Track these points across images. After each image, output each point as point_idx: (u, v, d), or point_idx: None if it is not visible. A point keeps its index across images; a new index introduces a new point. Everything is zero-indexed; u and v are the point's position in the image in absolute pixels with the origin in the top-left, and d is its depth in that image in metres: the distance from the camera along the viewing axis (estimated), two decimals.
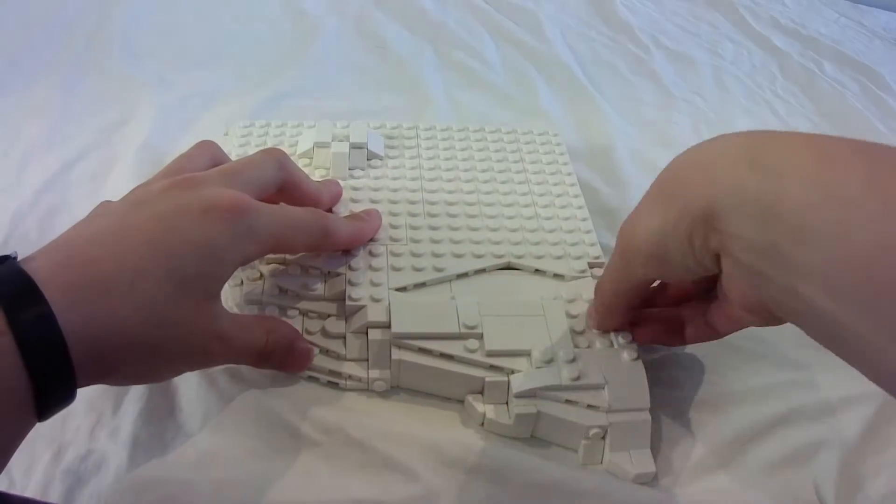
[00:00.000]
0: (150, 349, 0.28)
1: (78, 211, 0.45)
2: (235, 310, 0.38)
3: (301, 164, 0.46)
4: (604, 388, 0.34)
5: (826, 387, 0.40)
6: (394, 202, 0.43)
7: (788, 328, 0.43)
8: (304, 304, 0.38)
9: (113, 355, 0.27)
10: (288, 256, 0.39)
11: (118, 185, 0.48)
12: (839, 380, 0.40)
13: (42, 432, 0.30)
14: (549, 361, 0.35)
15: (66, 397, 0.26)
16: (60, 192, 0.47)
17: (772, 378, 0.40)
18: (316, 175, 0.45)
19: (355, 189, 0.44)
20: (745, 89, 0.71)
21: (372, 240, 0.40)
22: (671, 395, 0.39)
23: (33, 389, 0.24)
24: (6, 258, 0.26)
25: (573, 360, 0.35)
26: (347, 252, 0.39)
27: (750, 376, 0.40)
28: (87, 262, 0.27)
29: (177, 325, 0.29)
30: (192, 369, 0.33)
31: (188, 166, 0.35)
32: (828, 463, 0.36)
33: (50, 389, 0.25)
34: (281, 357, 0.35)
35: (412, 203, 0.43)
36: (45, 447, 0.33)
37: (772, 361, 0.41)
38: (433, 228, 0.42)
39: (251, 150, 0.47)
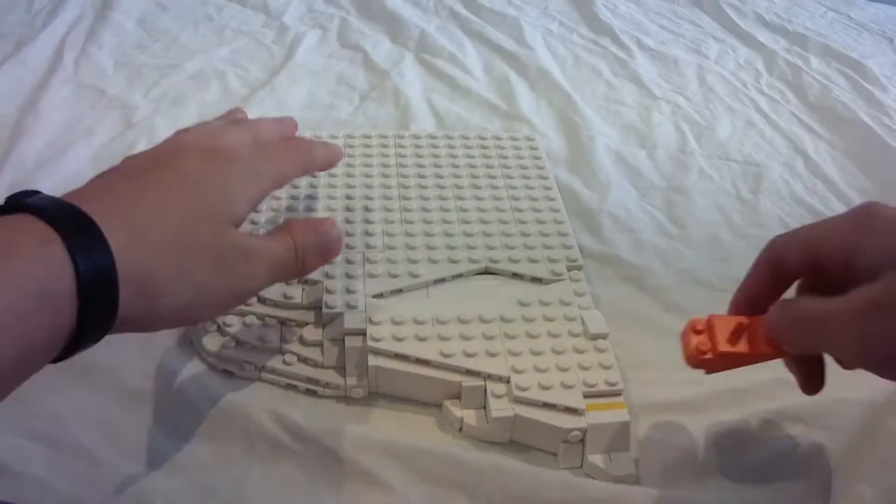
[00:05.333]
0: (183, 276, 0.28)
1: None
2: None
3: None
4: (581, 389, 0.34)
5: None
6: (369, 210, 0.44)
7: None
8: (281, 313, 0.38)
9: (150, 281, 0.27)
10: None
11: None
12: (832, 380, 0.40)
13: None
14: (526, 365, 0.35)
15: (105, 329, 0.26)
16: None
17: (759, 377, 0.40)
18: None
19: (331, 198, 0.44)
20: (730, 87, 0.71)
21: (348, 247, 0.41)
22: (653, 395, 0.38)
23: (78, 320, 0.24)
24: (33, 192, 0.27)
25: (550, 364, 0.35)
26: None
27: (735, 375, 0.40)
28: (112, 194, 0.28)
29: (206, 249, 0.29)
30: (235, 297, 0.32)
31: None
32: (821, 465, 0.35)
33: (94, 323, 0.25)
34: (314, 249, 0.33)
35: (388, 210, 0.44)
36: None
37: None
38: (409, 235, 0.42)
39: None
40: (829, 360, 0.39)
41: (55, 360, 0.25)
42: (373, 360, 0.35)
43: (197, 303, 0.29)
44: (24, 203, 0.25)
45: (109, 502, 0.31)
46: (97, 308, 0.25)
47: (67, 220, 0.25)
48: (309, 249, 0.33)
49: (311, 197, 0.45)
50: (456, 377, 0.35)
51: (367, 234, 0.41)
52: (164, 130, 0.56)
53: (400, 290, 0.39)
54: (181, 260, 0.28)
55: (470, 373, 0.35)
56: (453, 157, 0.49)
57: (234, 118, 0.39)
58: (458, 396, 0.35)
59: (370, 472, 0.33)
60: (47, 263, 0.23)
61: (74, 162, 0.52)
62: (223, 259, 0.29)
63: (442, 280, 0.39)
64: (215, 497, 0.32)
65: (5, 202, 0.26)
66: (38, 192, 0.26)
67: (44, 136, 0.54)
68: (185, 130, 0.35)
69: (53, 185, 0.49)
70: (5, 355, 0.22)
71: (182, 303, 0.28)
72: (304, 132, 0.51)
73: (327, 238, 0.34)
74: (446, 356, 0.35)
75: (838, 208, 0.55)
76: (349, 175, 0.47)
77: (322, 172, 0.47)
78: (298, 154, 0.36)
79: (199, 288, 0.29)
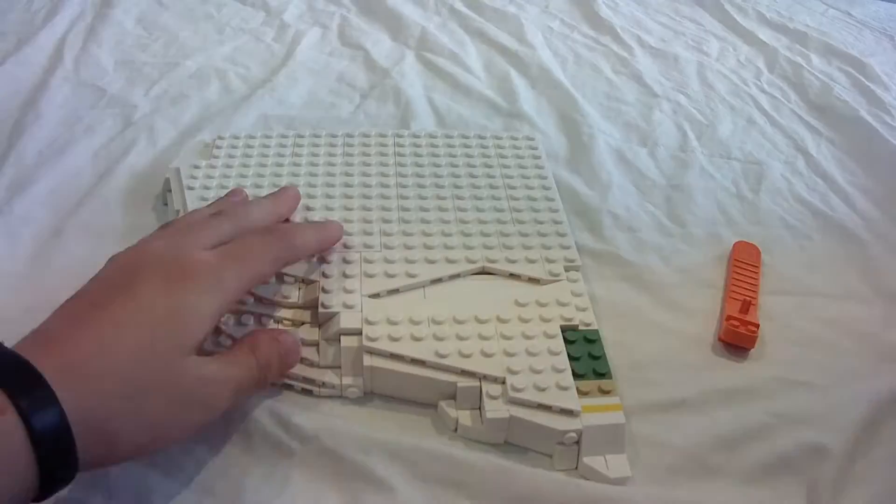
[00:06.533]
0: (139, 417, 0.28)
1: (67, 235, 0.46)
2: None
3: None
4: (576, 391, 0.34)
5: (816, 387, 0.39)
6: (367, 209, 0.44)
7: (775, 325, 0.43)
8: (278, 312, 0.38)
9: (105, 427, 0.27)
10: None
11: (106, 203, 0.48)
12: (830, 379, 0.40)
13: None
14: (522, 366, 0.35)
15: (68, 480, 0.26)
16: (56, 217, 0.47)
17: (759, 377, 0.40)
18: None
19: (329, 197, 0.44)
20: (731, 85, 0.71)
21: (346, 246, 0.41)
22: (653, 395, 0.38)
23: (39, 476, 0.25)
24: None
25: (545, 365, 0.35)
26: (322, 259, 0.39)
27: (733, 375, 0.40)
28: (65, 342, 0.28)
29: (161, 386, 0.29)
30: (201, 421, 0.32)
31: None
32: (821, 465, 0.35)
33: (55, 477, 0.25)
34: (279, 360, 0.35)
35: (386, 210, 0.44)
36: None
37: (755, 359, 0.41)
38: (406, 234, 0.42)
39: (237, 162, 0.48)
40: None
41: None
42: (368, 360, 0.35)
43: (156, 437, 0.30)
44: None
45: (109, 502, 0.31)
46: (55, 464, 0.25)
47: (16, 379, 0.25)
48: (272, 364, 0.34)
49: (310, 196, 0.45)
50: (451, 377, 0.35)
51: (365, 233, 0.42)
52: (164, 129, 0.56)
53: (396, 290, 0.39)
54: (136, 401, 0.28)
55: (465, 373, 0.35)
56: (452, 156, 0.49)
57: (227, 203, 0.39)
58: (453, 397, 0.35)
59: (370, 472, 0.33)
60: None
61: (74, 161, 0.52)
62: (180, 394, 0.30)
63: (439, 280, 0.39)
64: (214, 497, 0.32)
65: None
66: None
67: (44, 134, 0.54)
68: (158, 233, 0.35)
69: (53, 183, 0.49)
70: None
71: (141, 441, 0.29)
72: (305, 131, 0.51)
73: (288, 349, 0.35)
74: (442, 356, 0.35)
75: (839, 207, 0.55)
76: (348, 174, 0.47)
77: (321, 172, 0.47)
78: (278, 249, 0.35)
79: (157, 425, 0.29)
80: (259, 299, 0.38)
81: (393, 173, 0.47)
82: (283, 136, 0.51)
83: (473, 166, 0.48)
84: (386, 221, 0.43)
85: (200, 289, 0.31)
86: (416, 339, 0.36)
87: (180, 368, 0.30)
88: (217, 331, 0.38)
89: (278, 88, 0.63)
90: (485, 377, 0.35)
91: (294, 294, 0.38)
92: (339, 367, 0.36)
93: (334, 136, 0.51)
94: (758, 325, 0.41)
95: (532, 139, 0.52)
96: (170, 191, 0.46)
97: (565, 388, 0.34)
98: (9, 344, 0.27)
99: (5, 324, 0.39)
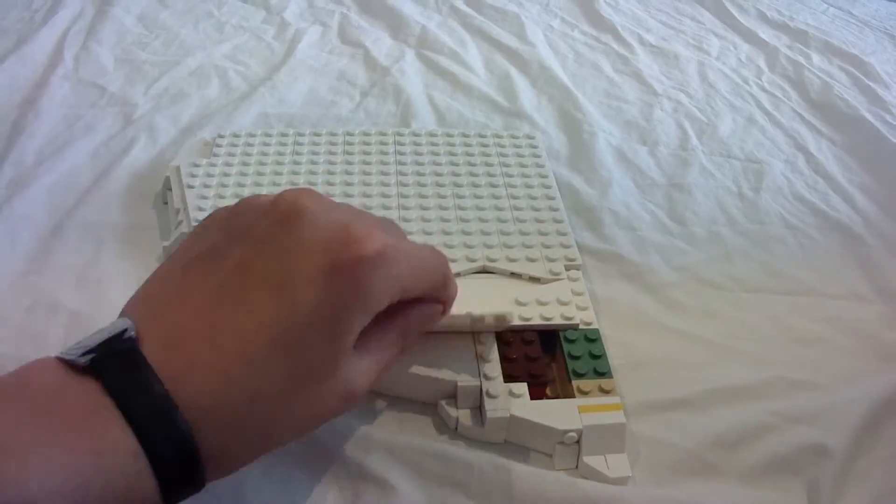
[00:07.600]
0: (283, 426, 0.26)
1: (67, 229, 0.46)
2: None
3: None
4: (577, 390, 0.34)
5: (816, 386, 0.39)
6: (367, 208, 0.43)
7: (775, 324, 0.43)
8: None
9: (227, 451, 0.25)
10: None
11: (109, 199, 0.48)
12: (830, 379, 0.40)
13: None
14: None
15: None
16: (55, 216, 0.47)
17: (757, 376, 0.40)
18: None
19: (329, 196, 0.44)
20: (731, 84, 0.71)
21: None
22: (653, 394, 0.38)
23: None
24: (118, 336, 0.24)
25: None
26: None
27: (733, 374, 0.40)
28: (201, 366, 0.24)
29: (315, 381, 0.25)
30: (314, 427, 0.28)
31: None
32: (821, 465, 0.35)
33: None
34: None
35: (386, 209, 0.44)
36: None
37: (756, 358, 0.41)
38: (407, 234, 0.42)
39: (237, 160, 0.48)
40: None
41: None
42: None
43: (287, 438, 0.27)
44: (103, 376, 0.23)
45: None
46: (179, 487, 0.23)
47: (139, 403, 0.22)
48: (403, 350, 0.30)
49: None
50: (451, 376, 0.35)
51: None
52: (164, 127, 0.56)
53: None
54: (283, 412, 0.25)
55: (465, 372, 0.35)
56: (452, 154, 0.49)
57: None
58: (453, 396, 0.35)
59: (370, 471, 0.33)
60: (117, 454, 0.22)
61: (74, 159, 0.52)
62: (319, 411, 0.26)
63: None
64: (213, 496, 0.32)
65: (98, 353, 0.23)
66: (124, 334, 0.24)
67: (44, 132, 0.54)
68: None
69: (53, 182, 0.49)
70: None
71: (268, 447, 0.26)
72: (305, 129, 0.52)
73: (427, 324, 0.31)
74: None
75: (839, 205, 0.55)
76: (348, 173, 0.47)
77: (321, 171, 0.47)
78: (440, 273, 0.30)
79: (299, 431, 0.27)
80: None
81: (393, 172, 0.47)
82: (284, 135, 0.51)
83: (474, 165, 0.48)
84: None
85: (378, 273, 0.26)
86: None
87: (339, 359, 0.26)
88: None
89: (278, 86, 0.63)
90: (485, 376, 0.35)
91: None
92: None
93: (334, 134, 0.51)
94: None
95: (532, 137, 0.52)
96: (170, 189, 0.46)
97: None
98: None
99: (5, 322, 0.39)
